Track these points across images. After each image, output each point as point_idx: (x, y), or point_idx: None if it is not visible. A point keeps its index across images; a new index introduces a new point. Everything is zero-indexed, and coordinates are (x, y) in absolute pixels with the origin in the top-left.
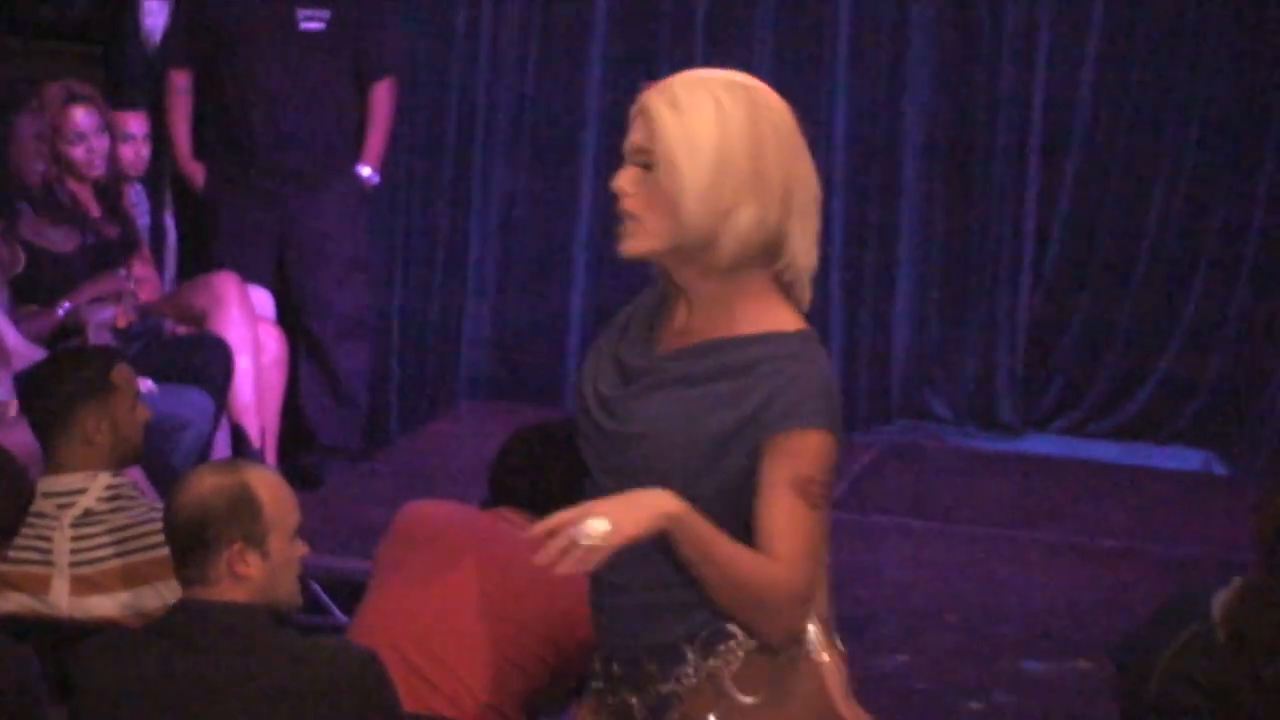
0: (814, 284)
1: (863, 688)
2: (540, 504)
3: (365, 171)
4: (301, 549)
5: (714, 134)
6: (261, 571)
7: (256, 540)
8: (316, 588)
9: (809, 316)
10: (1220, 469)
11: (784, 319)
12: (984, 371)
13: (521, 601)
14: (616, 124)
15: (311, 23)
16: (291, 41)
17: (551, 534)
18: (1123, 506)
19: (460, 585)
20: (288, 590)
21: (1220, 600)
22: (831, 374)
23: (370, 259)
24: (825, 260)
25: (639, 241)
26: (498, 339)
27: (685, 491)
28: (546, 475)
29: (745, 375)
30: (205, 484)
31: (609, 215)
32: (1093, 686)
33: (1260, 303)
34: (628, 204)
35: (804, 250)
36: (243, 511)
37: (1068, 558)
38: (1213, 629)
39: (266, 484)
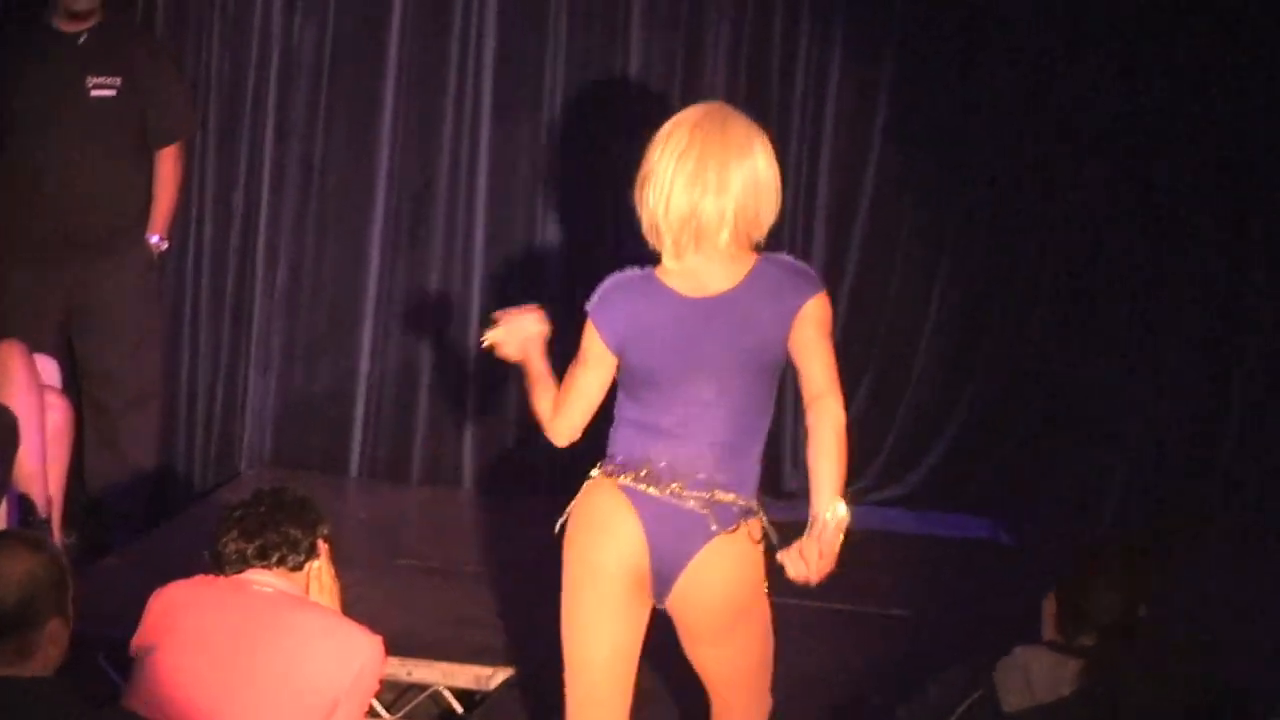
0: None
1: None
2: (280, 557)
3: (154, 239)
4: None
5: None
6: (66, 637)
7: (66, 608)
8: (102, 660)
9: None
10: (1006, 538)
11: None
12: (770, 439)
13: (292, 655)
14: (406, 189)
15: (103, 90)
16: (82, 109)
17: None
18: (909, 575)
19: (230, 655)
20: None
21: (1002, 669)
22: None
23: (159, 326)
24: None
25: None
26: (284, 406)
27: None
28: (278, 530)
29: None
30: (22, 563)
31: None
32: None
33: (1049, 373)
34: None
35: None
36: (62, 582)
37: (854, 627)
38: (996, 696)
39: (60, 549)
